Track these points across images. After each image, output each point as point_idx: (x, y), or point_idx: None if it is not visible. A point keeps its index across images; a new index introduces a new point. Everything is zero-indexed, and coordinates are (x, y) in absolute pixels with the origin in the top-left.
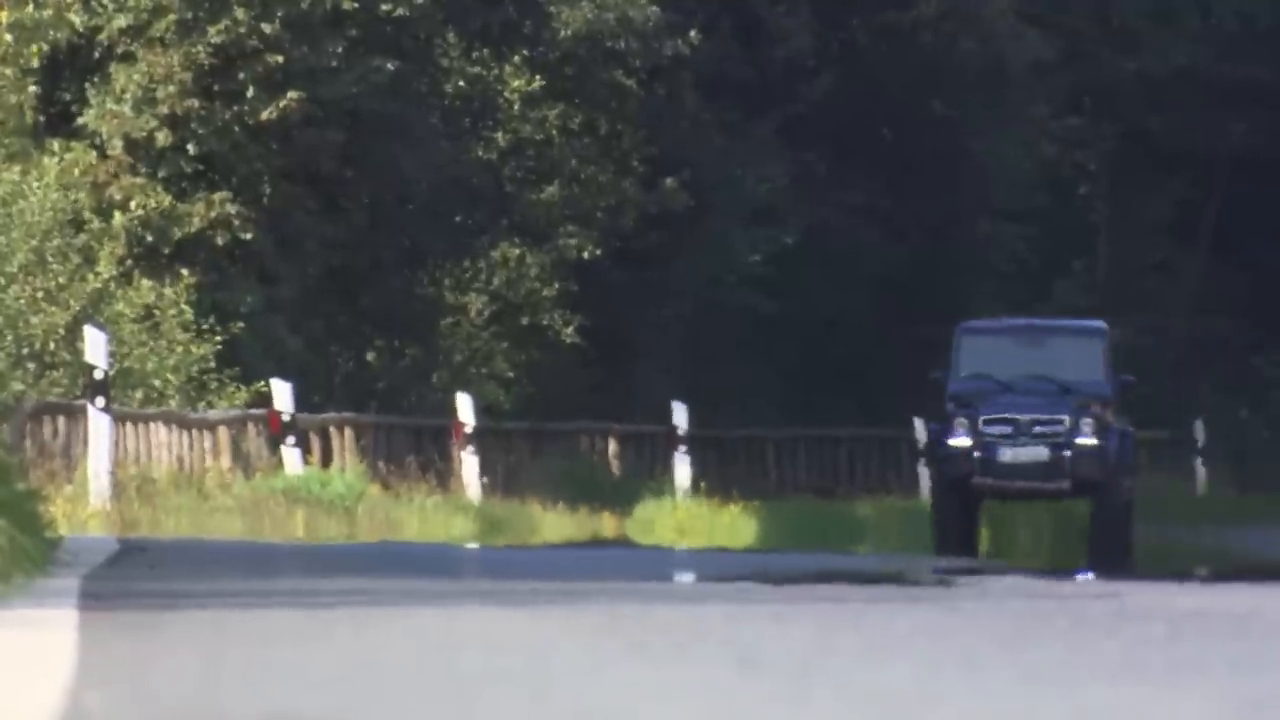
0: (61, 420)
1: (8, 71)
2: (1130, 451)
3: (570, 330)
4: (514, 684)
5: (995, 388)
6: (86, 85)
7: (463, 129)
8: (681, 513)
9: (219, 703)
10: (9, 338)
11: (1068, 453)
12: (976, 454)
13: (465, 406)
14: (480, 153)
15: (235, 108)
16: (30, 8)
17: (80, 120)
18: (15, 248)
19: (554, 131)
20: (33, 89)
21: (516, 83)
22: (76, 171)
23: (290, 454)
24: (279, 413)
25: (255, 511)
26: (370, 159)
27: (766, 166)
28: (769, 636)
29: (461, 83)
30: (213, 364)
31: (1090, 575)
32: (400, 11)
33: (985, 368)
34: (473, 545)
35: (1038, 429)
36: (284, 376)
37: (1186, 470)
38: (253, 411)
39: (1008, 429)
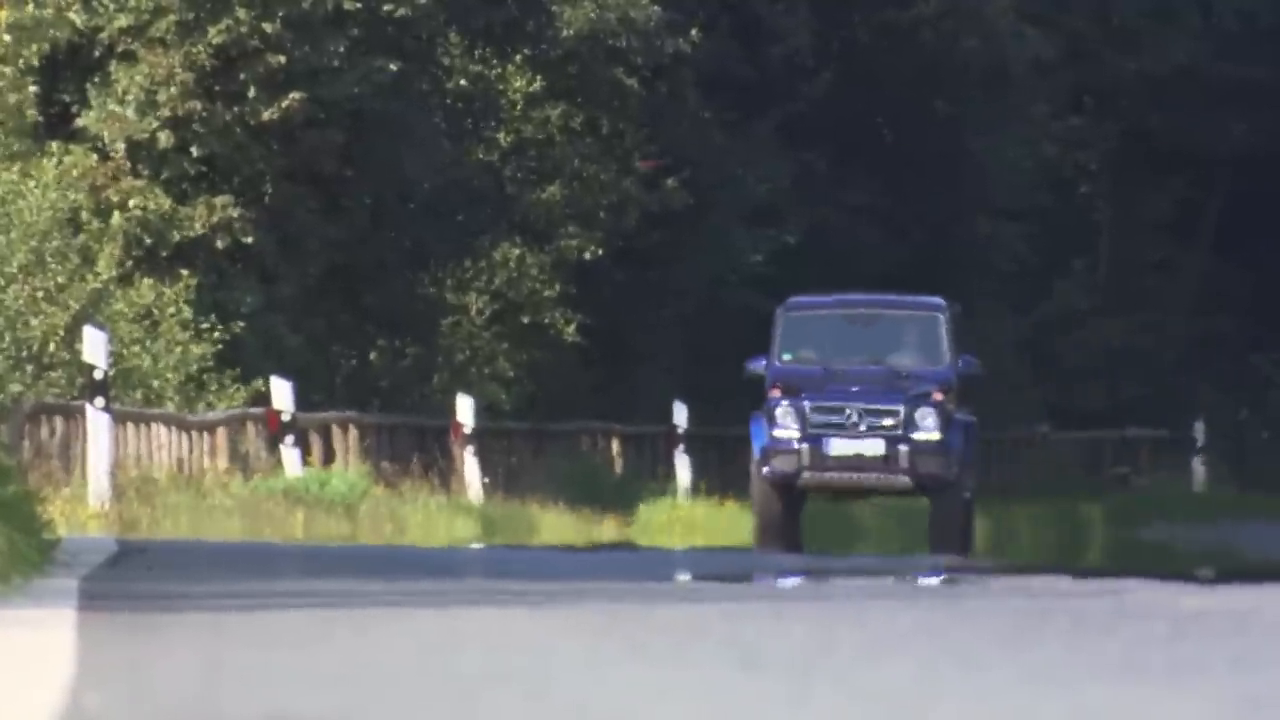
0: (60, 421)
1: (7, 71)
2: (974, 444)
3: (571, 330)
4: (514, 684)
5: (823, 373)
6: (87, 86)
7: (464, 129)
8: (683, 512)
9: (218, 704)
10: (8, 338)
11: (905, 446)
12: (803, 446)
13: (465, 407)
14: (482, 153)
15: (237, 108)
16: (30, 7)
17: (80, 121)
18: (14, 248)
19: (555, 131)
20: (32, 89)
21: (518, 82)
22: (75, 173)
23: (290, 454)
24: (278, 412)
25: (255, 512)
26: (372, 159)
27: (767, 166)
28: (769, 635)
29: (463, 82)
30: (211, 364)
31: (936, 578)
32: (402, 11)
33: (811, 351)
34: (474, 545)
35: (871, 419)
36: (284, 376)
37: (1186, 469)
38: (252, 411)
39: (838, 419)
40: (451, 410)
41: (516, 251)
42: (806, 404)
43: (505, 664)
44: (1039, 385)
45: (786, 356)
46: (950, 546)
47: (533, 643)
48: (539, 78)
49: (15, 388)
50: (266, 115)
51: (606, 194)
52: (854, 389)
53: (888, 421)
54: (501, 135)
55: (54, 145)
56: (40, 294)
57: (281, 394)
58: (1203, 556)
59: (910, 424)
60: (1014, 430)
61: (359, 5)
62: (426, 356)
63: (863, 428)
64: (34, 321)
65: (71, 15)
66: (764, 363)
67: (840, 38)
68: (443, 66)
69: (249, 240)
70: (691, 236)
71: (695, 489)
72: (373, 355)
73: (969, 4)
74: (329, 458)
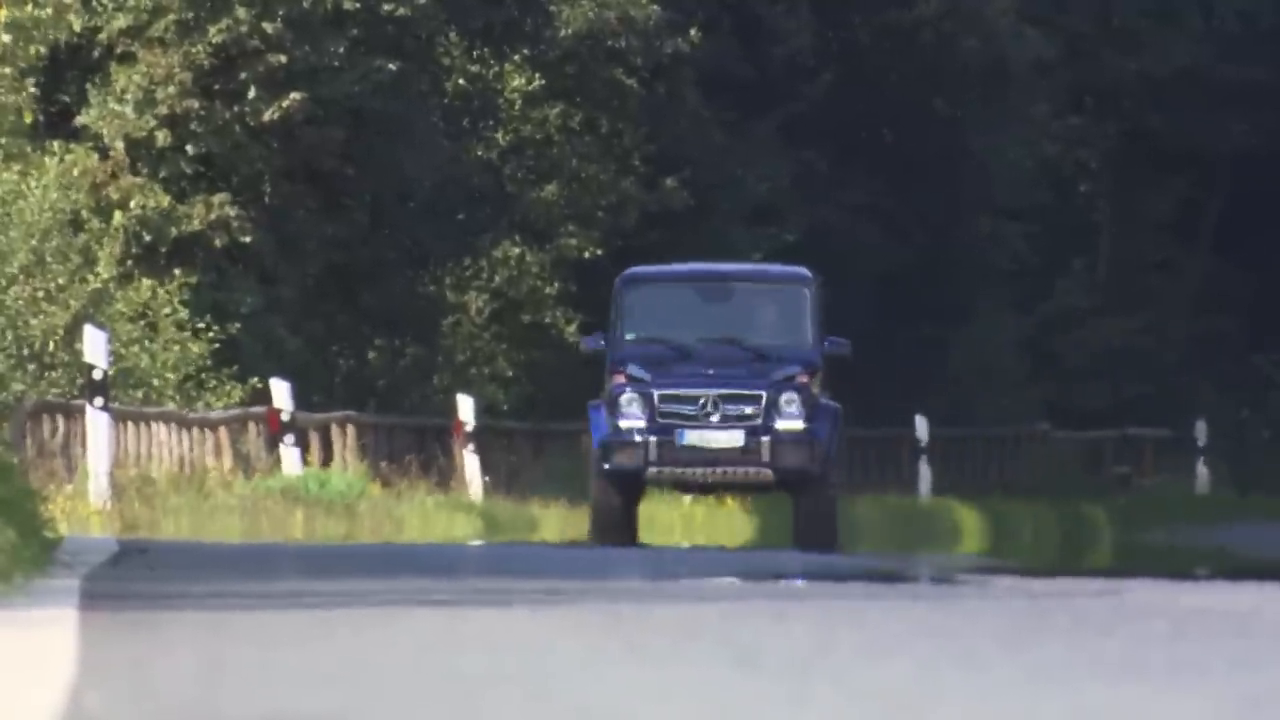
0: (61, 420)
1: (7, 71)
2: (839, 433)
3: (571, 329)
4: (514, 684)
5: (672, 354)
6: (87, 85)
7: (463, 128)
8: (682, 510)
9: (218, 703)
10: (9, 338)
11: (767, 437)
12: (650, 438)
13: (466, 406)
14: (481, 152)
15: (236, 108)
16: (30, 7)
17: (80, 120)
18: (15, 248)
19: (555, 130)
20: (32, 89)
21: (517, 81)
22: (75, 172)
23: (289, 454)
24: (278, 411)
25: (255, 511)
26: (371, 158)
27: (767, 165)
28: (768, 635)
29: (462, 81)
30: (210, 363)
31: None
32: (402, 11)
33: (658, 329)
34: (473, 544)
35: (729, 407)
36: (284, 376)
37: (1188, 469)
38: (252, 411)
39: (690, 407)
40: (452, 410)
41: (516, 251)
42: (654, 390)
43: (505, 663)
44: (1039, 385)
45: (629, 336)
46: (818, 545)
47: (532, 642)
48: (538, 77)
49: (17, 387)
50: (266, 114)
51: (605, 194)
52: (708, 373)
53: (747, 409)
54: (500, 135)
55: (54, 145)
56: (41, 294)
57: (281, 394)
58: (1203, 556)
59: (772, 412)
60: (1014, 429)
61: (358, 5)
62: (426, 356)
63: (718, 417)
64: (34, 321)
65: (71, 16)
66: (602, 342)
67: (841, 38)
68: (442, 66)
69: (247, 239)
70: (691, 236)
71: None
72: (371, 355)
73: (969, 4)
74: (328, 457)
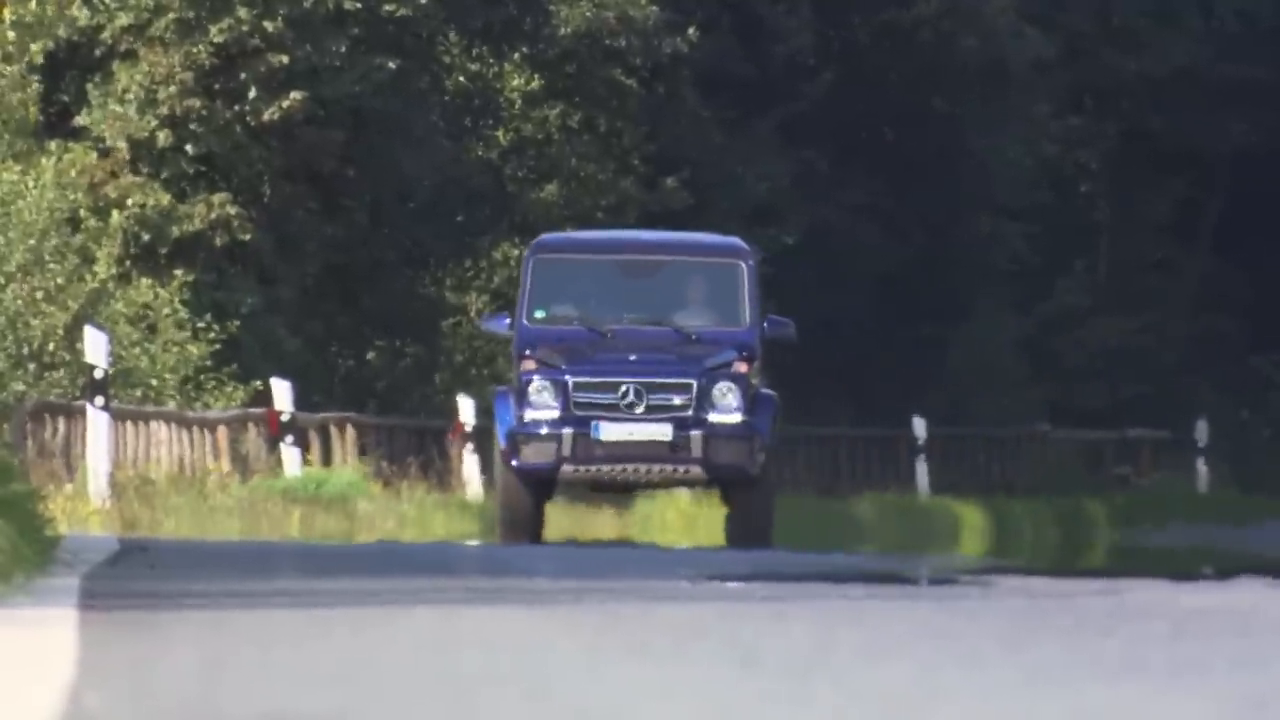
0: (61, 420)
1: (9, 70)
2: (775, 424)
3: None
4: (513, 683)
5: (588, 337)
6: (87, 85)
7: (463, 128)
8: (682, 508)
9: (218, 702)
10: (8, 338)
11: (698, 431)
12: (564, 432)
13: (467, 407)
14: (481, 152)
15: (237, 107)
16: (33, 4)
17: (80, 120)
18: (14, 248)
19: (554, 130)
20: (34, 88)
21: (516, 81)
22: (73, 171)
23: (290, 454)
24: (278, 412)
25: (255, 511)
26: (371, 158)
27: (767, 165)
28: (769, 635)
29: (461, 79)
30: (210, 363)
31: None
32: (402, 11)
33: (572, 307)
34: (472, 544)
35: (655, 397)
36: (284, 376)
37: (1188, 469)
38: (252, 411)
39: (610, 397)
40: (453, 410)
41: (516, 251)
42: (567, 378)
43: (504, 663)
44: (1039, 384)
45: (539, 314)
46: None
47: (532, 641)
48: (537, 77)
49: (17, 387)
50: (266, 114)
51: (605, 194)
52: (631, 358)
53: (676, 400)
54: (500, 134)
55: (53, 144)
56: (40, 293)
57: (281, 394)
58: (1204, 556)
59: (705, 403)
60: (1013, 429)
61: (359, 4)
62: (426, 357)
63: (643, 408)
64: (34, 321)
65: (74, 10)
66: (507, 322)
67: (840, 37)
68: (442, 65)
69: (247, 239)
70: None
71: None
72: (371, 355)
73: (969, 4)
74: (328, 458)
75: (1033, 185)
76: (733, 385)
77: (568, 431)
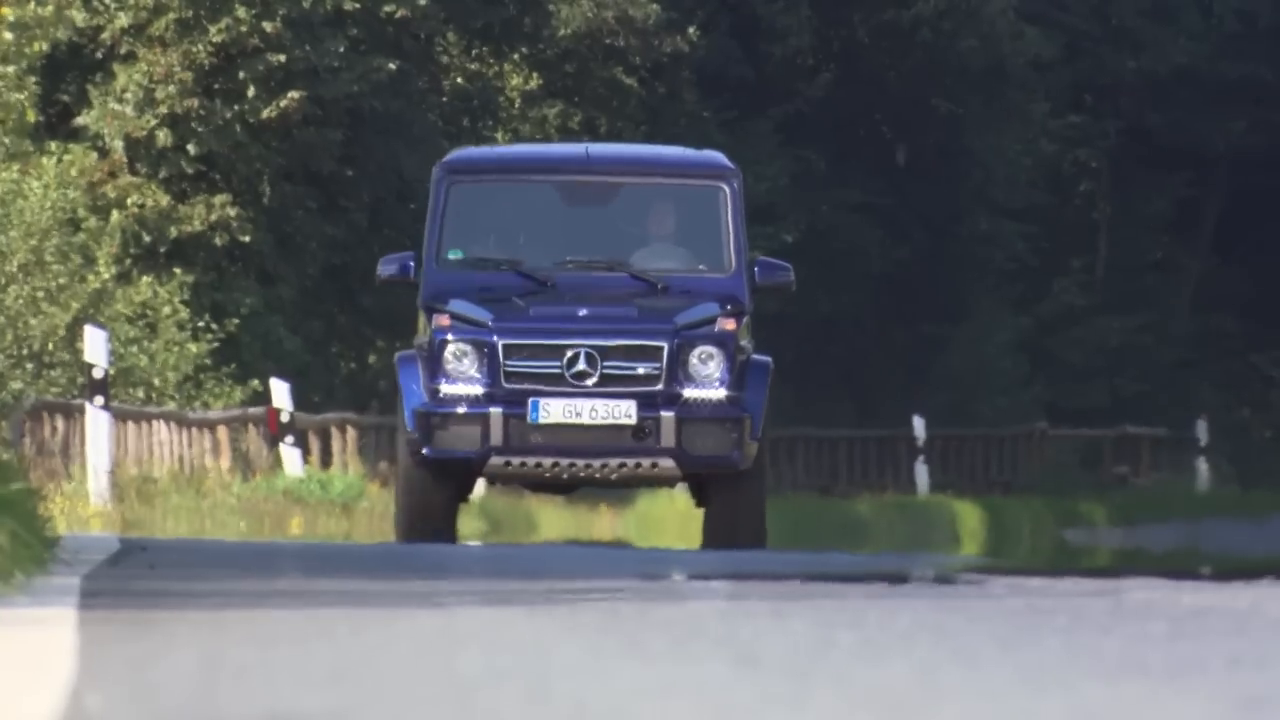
0: (61, 419)
1: (9, 70)
2: (769, 402)
3: None
4: (513, 683)
5: (522, 285)
6: (87, 85)
7: (462, 127)
8: (681, 506)
9: (218, 702)
10: (9, 337)
11: (670, 412)
12: (493, 411)
13: None
14: None
15: (236, 107)
16: (32, 5)
17: (80, 120)
18: (14, 247)
19: (553, 130)
20: (33, 88)
21: (516, 81)
22: (74, 171)
23: (290, 454)
24: (278, 412)
25: (255, 511)
26: (371, 158)
27: (766, 164)
28: (767, 634)
29: (460, 80)
30: (209, 363)
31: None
32: (401, 11)
33: (498, 244)
34: (472, 544)
35: (613, 365)
36: (283, 376)
37: (1187, 468)
38: (252, 411)
39: (552, 365)
40: None
41: None
42: (496, 339)
43: (504, 663)
44: (1038, 384)
45: (454, 255)
46: (744, 543)
47: (531, 641)
48: (537, 77)
49: (16, 386)
50: (265, 114)
51: None
52: (580, 313)
53: (641, 369)
54: (499, 134)
55: (53, 144)
56: (40, 293)
57: (281, 394)
58: (1204, 555)
59: (679, 373)
60: (1012, 428)
61: (358, 5)
62: None
63: (595, 380)
64: (34, 320)
65: (73, 11)
66: (411, 264)
67: (840, 37)
68: (441, 65)
69: (247, 239)
70: None
71: None
72: (372, 357)
73: (968, 3)
74: (327, 458)
75: (1032, 184)
76: (715, 350)
77: (496, 412)
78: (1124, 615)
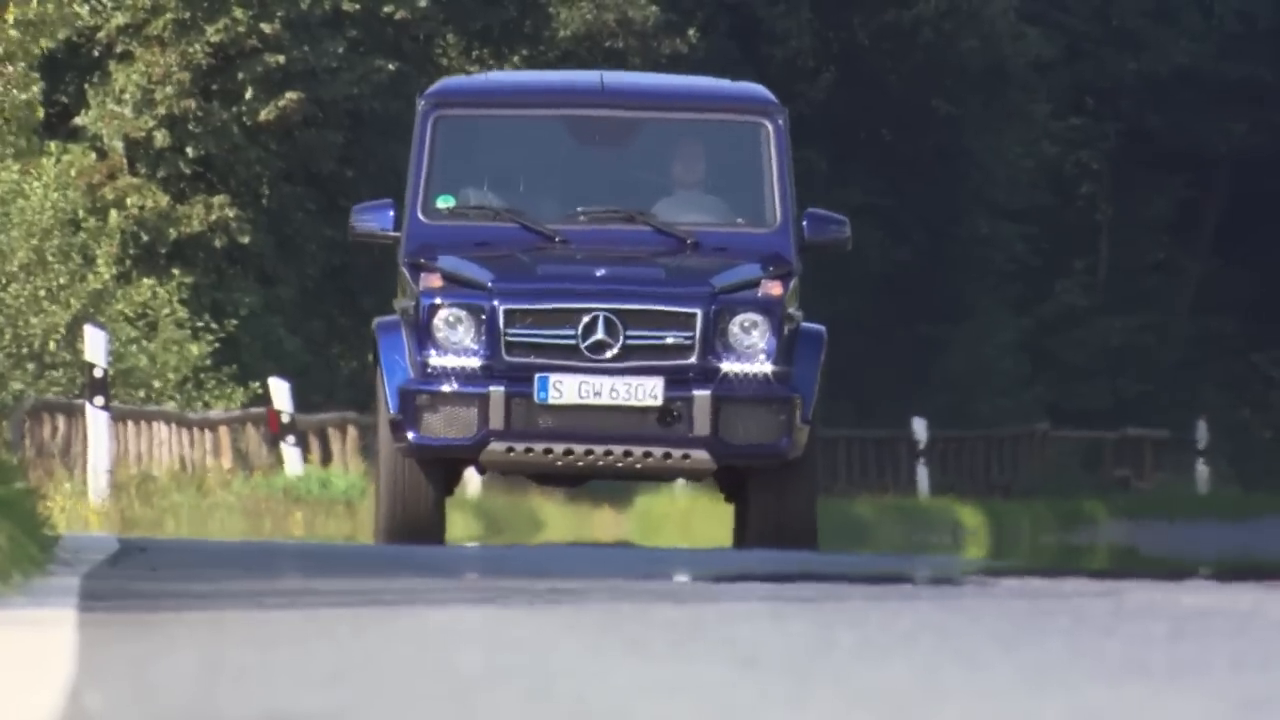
0: (61, 419)
1: (12, 68)
2: (819, 374)
3: None
4: (514, 682)
5: (526, 239)
6: (85, 86)
7: None
8: (682, 505)
9: (218, 702)
10: (9, 336)
11: (705, 390)
12: (493, 390)
13: None
14: None
15: (234, 108)
16: (35, 2)
17: (79, 120)
18: (15, 247)
19: None
20: (37, 87)
21: None
22: (73, 171)
23: (290, 453)
24: (278, 412)
25: (255, 511)
26: (370, 159)
27: None
28: (768, 634)
29: None
30: (209, 364)
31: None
32: (401, 12)
33: (496, 191)
34: (472, 544)
35: (637, 335)
36: (284, 376)
37: (1188, 469)
38: (253, 411)
39: (565, 334)
40: None
41: None
42: (498, 303)
43: (505, 662)
44: (1039, 385)
45: (444, 203)
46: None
47: (532, 641)
48: None
49: (16, 386)
50: (264, 115)
51: None
52: (597, 273)
53: (670, 339)
54: None
55: (53, 144)
56: (41, 293)
57: (281, 394)
58: (1205, 556)
59: (716, 346)
60: (1013, 429)
61: (357, 6)
62: None
63: (616, 352)
64: (34, 320)
65: (77, 7)
66: (391, 214)
67: (840, 38)
68: (440, 67)
69: (246, 240)
70: None
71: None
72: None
73: (969, 4)
74: (328, 458)
75: (1033, 185)
76: (759, 317)
77: (497, 390)
78: (1125, 616)
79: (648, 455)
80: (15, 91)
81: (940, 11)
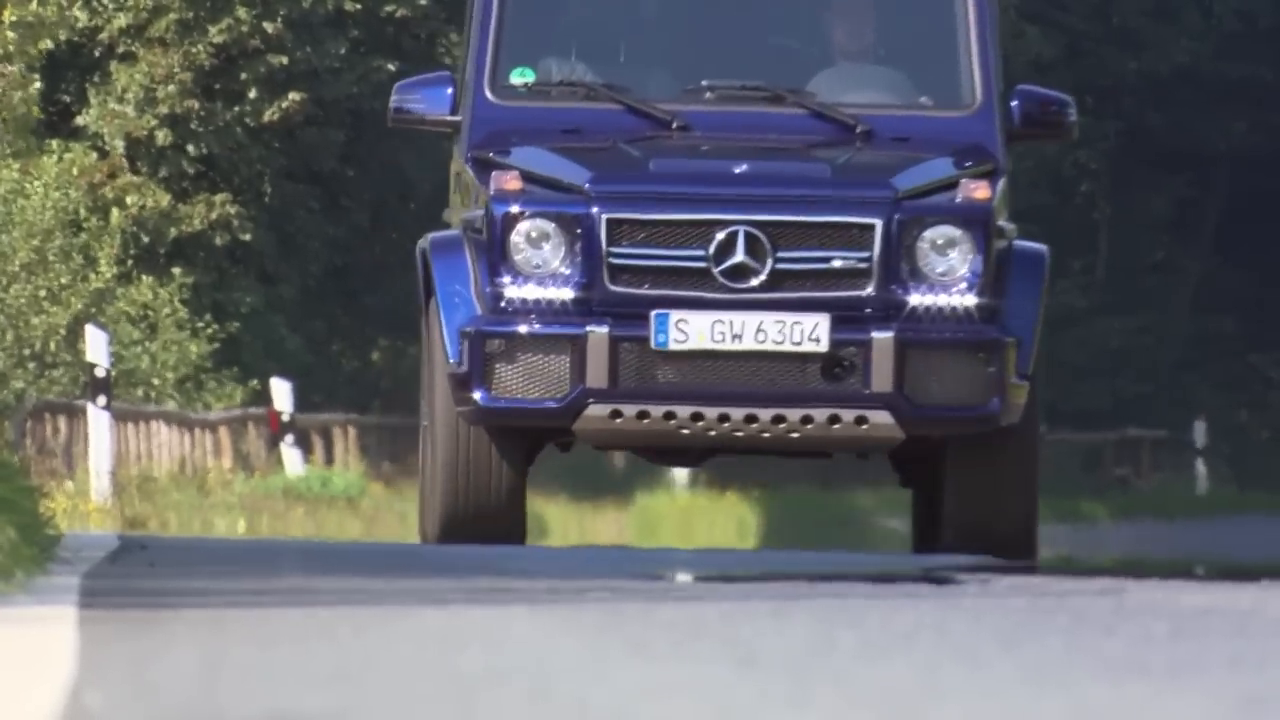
0: (63, 419)
1: (11, 69)
2: (1040, 311)
3: None
4: (514, 682)
5: (634, 125)
6: (86, 85)
7: None
8: (682, 504)
9: (219, 702)
10: (10, 336)
11: (886, 332)
12: (591, 331)
13: None
14: None
15: (236, 108)
16: (34, 4)
17: (80, 120)
18: (16, 247)
19: None
20: (35, 87)
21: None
22: (75, 171)
23: (291, 453)
24: (278, 412)
25: (256, 510)
26: (372, 158)
27: None
28: (768, 634)
29: None
30: (210, 363)
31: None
32: (402, 12)
33: (589, 63)
34: (471, 545)
35: (789, 257)
36: (285, 377)
37: (1187, 469)
38: (253, 411)
39: (692, 255)
40: None
41: None
42: (599, 211)
43: (505, 662)
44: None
45: (521, 77)
46: (1007, 551)
47: (533, 641)
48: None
49: (18, 385)
50: (266, 115)
51: None
52: (735, 170)
53: (839, 262)
54: None
55: (54, 144)
56: (43, 293)
57: (281, 394)
58: (1204, 555)
59: (902, 270)
60: None
61: (359, 6)
62: None
63: (762, 278)
64: (36, 320)
65: (75, 10)
66: (447, 95)
67: None
68: (442, 66)
69: (248, 238)
70: None
71: (694, 482)
72: (374, 356)
73: None
74: (329, 458)
75: (1031, 185)
76: (959, 232)
77: (598, 332)
78: (1125, 615)
79: (807, 421)
80: (13, 92)
81: None
